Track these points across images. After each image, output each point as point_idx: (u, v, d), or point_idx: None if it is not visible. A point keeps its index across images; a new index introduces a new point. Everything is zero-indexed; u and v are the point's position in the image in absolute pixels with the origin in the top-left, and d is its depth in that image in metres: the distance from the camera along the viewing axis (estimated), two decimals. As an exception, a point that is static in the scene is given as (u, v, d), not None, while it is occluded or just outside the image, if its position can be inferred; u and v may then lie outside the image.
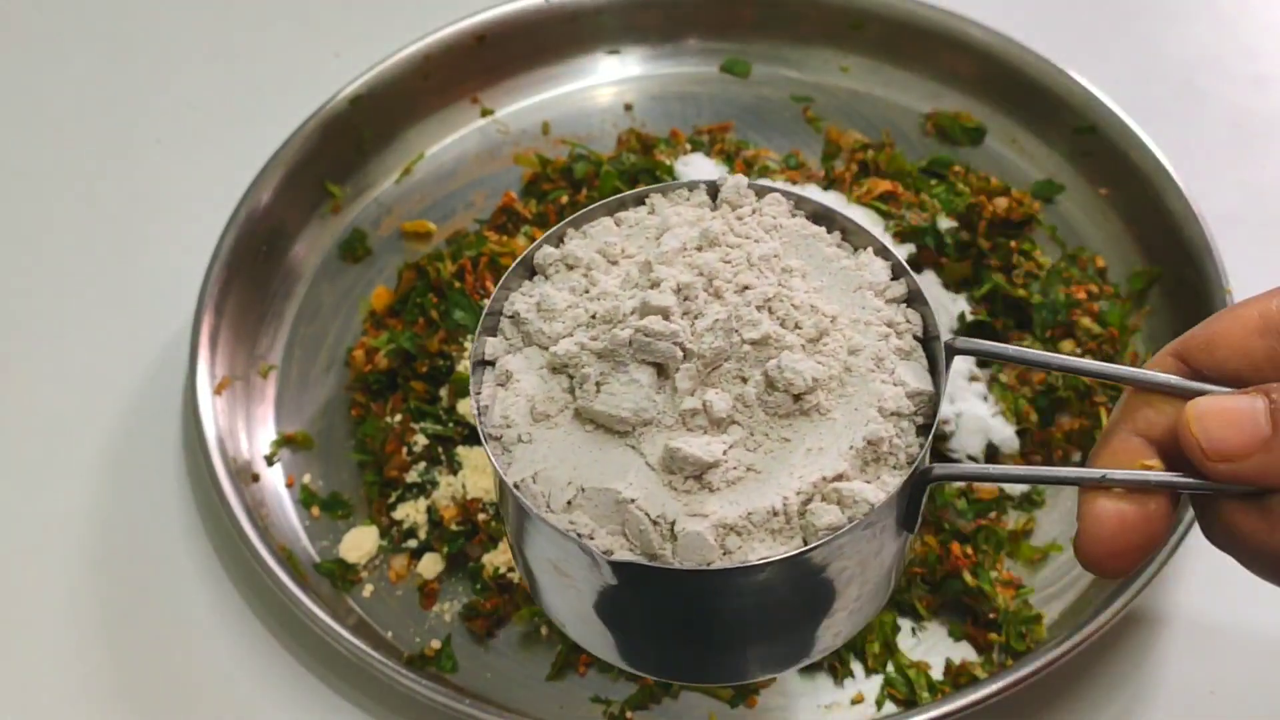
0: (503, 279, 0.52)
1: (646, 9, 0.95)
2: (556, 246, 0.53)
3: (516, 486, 0.48)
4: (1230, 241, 0.79)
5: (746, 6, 0.95)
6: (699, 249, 0.50)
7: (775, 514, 0.46)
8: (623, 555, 0.46)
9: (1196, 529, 0.69)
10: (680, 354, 0.47)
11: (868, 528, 0.47)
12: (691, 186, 0.54)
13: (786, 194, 0.53)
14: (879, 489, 0.47)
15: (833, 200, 0.82)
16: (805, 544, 0.46)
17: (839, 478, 0.47)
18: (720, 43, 0.96)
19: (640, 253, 0.52)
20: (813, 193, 0.83)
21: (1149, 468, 0.47)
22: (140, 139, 0.97)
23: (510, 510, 0.50)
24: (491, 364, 0.51)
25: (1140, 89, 0.94)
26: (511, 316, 0.52)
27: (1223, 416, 0.44)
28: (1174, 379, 0.48)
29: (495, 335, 0.52)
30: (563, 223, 0.53)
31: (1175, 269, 0.81)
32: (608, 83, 0.95)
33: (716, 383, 0.48)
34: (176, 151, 0.96)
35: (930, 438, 0.48)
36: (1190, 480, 0.46)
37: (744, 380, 0.48)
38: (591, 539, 0.46)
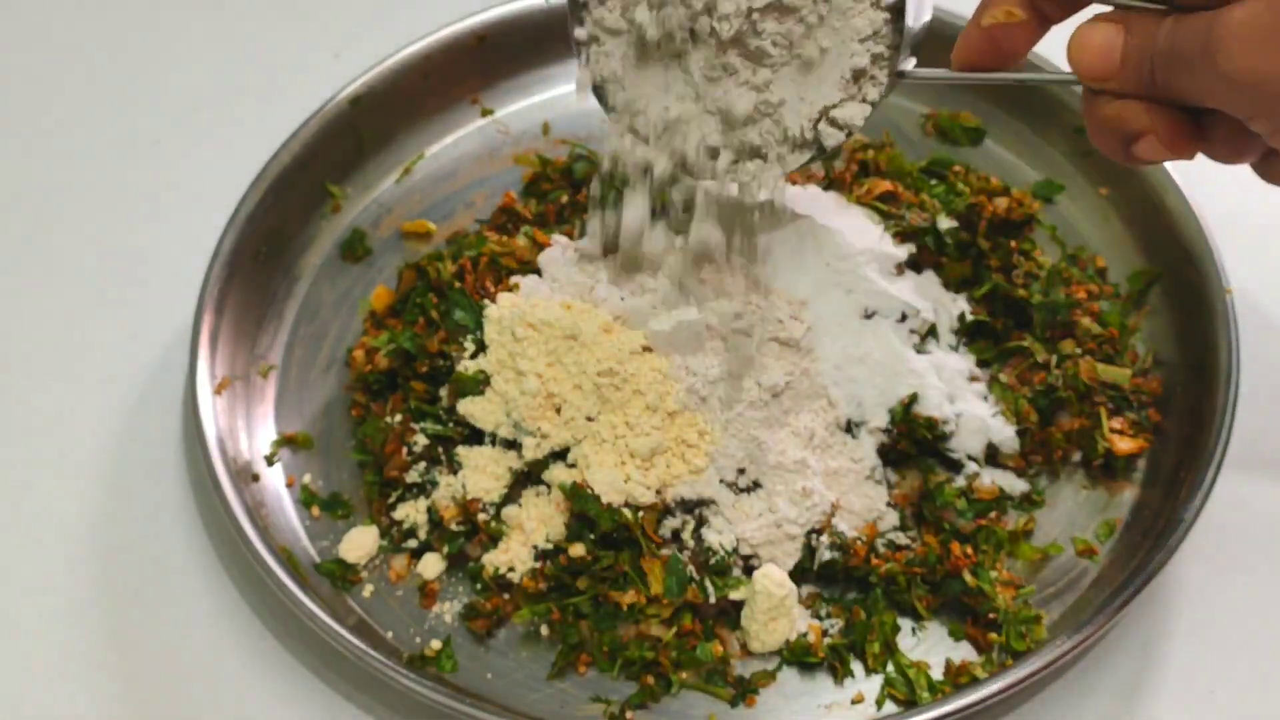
0: None
1: (646, 9, 0.95)
2: None
3: None
4: (1230, 241, 0.79)
5: (746, 6, 0.96)
6: None
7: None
8: None
9: (1195, 530, 0.69)
10: None
11: None
12: None
13: None
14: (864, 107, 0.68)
15: (832, 200, 0.82)
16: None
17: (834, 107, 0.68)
18: (720, 43, 0.96)
19: None
20: (813, 193, 0.83)
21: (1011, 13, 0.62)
22: (140, 139, 0.97)
23: None
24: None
25: (1140, 89, 0.93)
26: None
27: (1090, 50, 0.59)
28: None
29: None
30: None
31: (1175, 269, 0.81)
32: (608, 83, 0.95)
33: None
34: (176, 151, 0.96)
35: (904, 40, 0.66)
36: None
37: None
38: None
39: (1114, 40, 0.59)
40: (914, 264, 0.80)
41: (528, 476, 0.75)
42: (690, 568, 0.71)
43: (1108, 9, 0.60)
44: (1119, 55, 0.59)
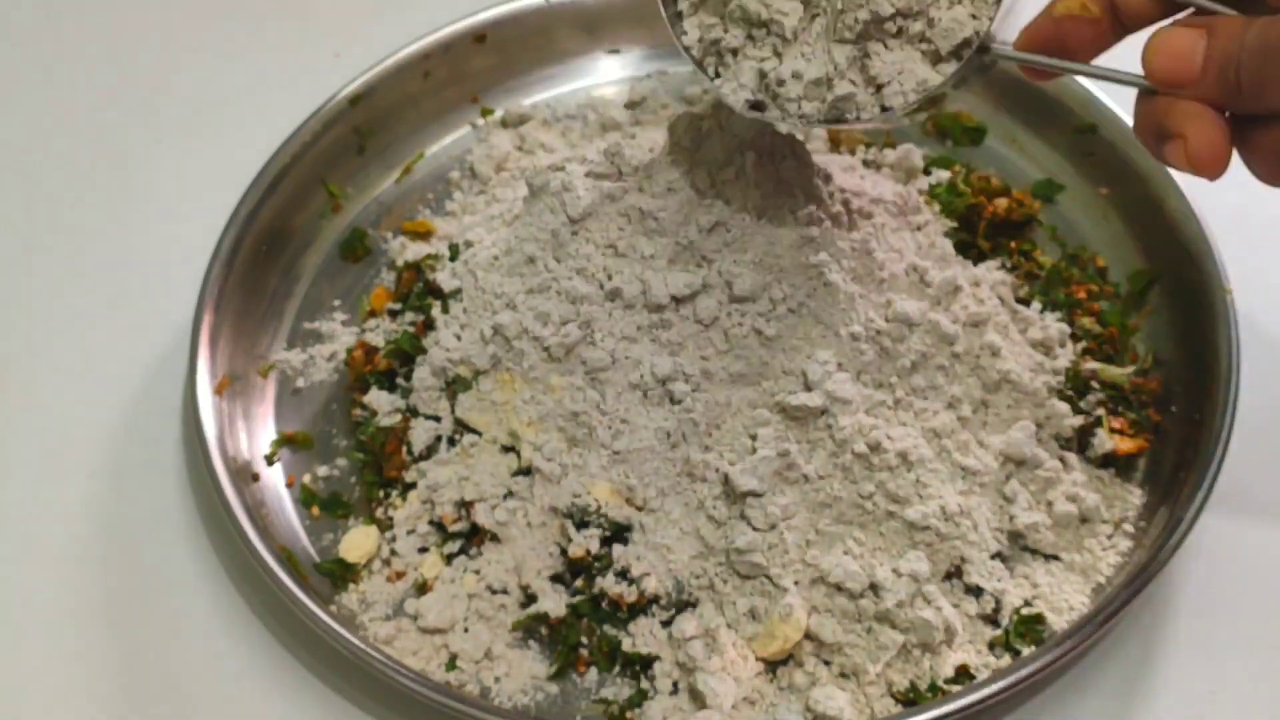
0: None
1: (647, 8, 0.95)
2: None
3: None
4: (1230, 241, 0.79)
5: (746, 6, 0.95)
6: None
7: None
8: None
9: (1195, 530, 0.69)
10: None
11: None
12: None
13: None
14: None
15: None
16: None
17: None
18: (720, 43, 0.96)
19: None
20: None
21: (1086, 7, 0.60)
22: (140, 139, 0.97)
23: None
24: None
25: (1140, 89, 0.93)
26: None
27: (1168, 52, 0.57)
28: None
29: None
30: None
31: (1175, 269, 0.81)
32: (608, 82, 0.95)
33: None
34: (176, 151, 0.96)
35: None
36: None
37: None
38: None
39: (1196, 45, 0.56)
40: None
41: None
42: None
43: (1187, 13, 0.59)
44: (1199, 61, 0.56)
